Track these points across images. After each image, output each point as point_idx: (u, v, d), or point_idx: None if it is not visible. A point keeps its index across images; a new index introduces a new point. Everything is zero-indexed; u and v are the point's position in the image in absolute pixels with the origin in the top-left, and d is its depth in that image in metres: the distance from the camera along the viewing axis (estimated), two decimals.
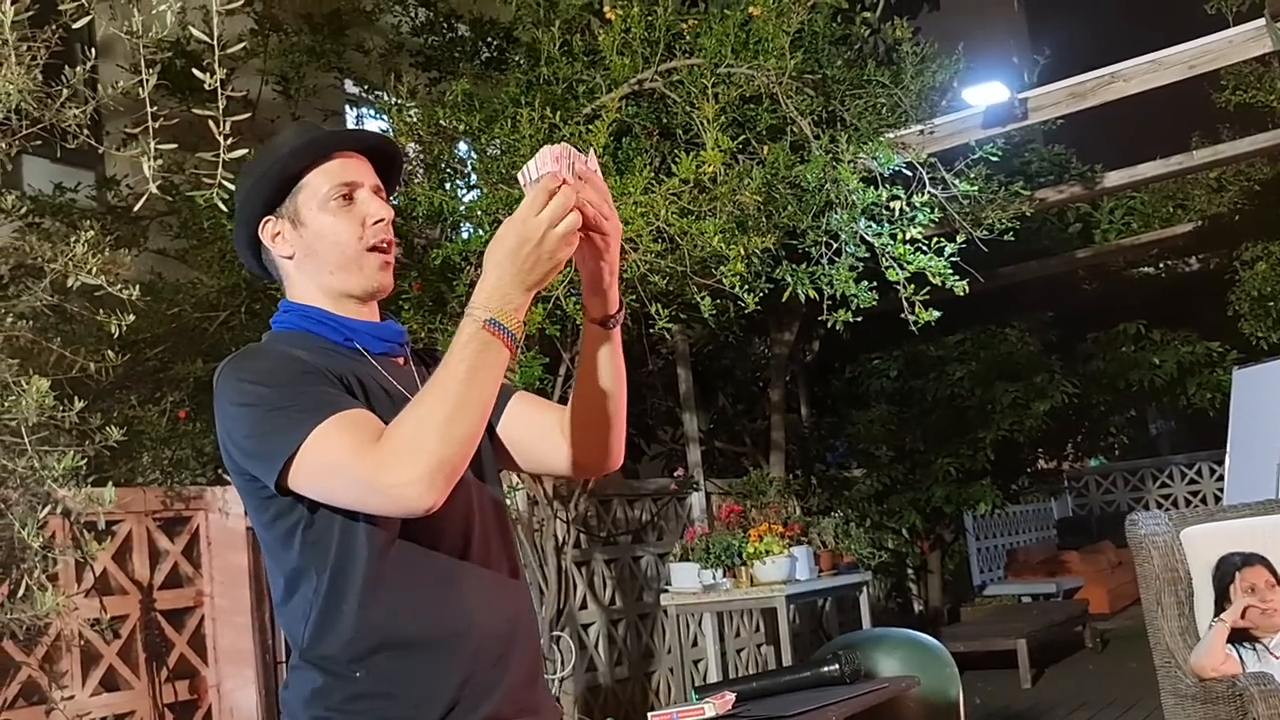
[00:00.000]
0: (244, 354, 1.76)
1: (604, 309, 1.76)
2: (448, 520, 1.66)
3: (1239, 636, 4.31)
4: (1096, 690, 8.53)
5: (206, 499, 4.73)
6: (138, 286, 3.43)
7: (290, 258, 1.83)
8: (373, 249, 1.80)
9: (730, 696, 2.44)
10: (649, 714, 2.56)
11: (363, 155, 1.84)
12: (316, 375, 1.67)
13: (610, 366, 1.81)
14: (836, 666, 2.52)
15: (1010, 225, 6.11)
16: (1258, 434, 6.70)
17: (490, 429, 1.84)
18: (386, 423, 1.61)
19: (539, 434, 1.89)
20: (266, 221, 1.82)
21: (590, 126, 4.84)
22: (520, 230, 1.57)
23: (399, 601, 1.66)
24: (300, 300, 1.83)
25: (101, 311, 3.60)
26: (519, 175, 1.65)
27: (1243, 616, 4.28)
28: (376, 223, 1.80)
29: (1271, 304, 7.68)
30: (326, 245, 1.79)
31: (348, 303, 1.82)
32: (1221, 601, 4.42)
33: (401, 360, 1.87)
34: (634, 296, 4.92)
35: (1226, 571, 4.46)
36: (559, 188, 1.59)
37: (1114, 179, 8.47)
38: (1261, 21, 5.68)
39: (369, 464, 1.54)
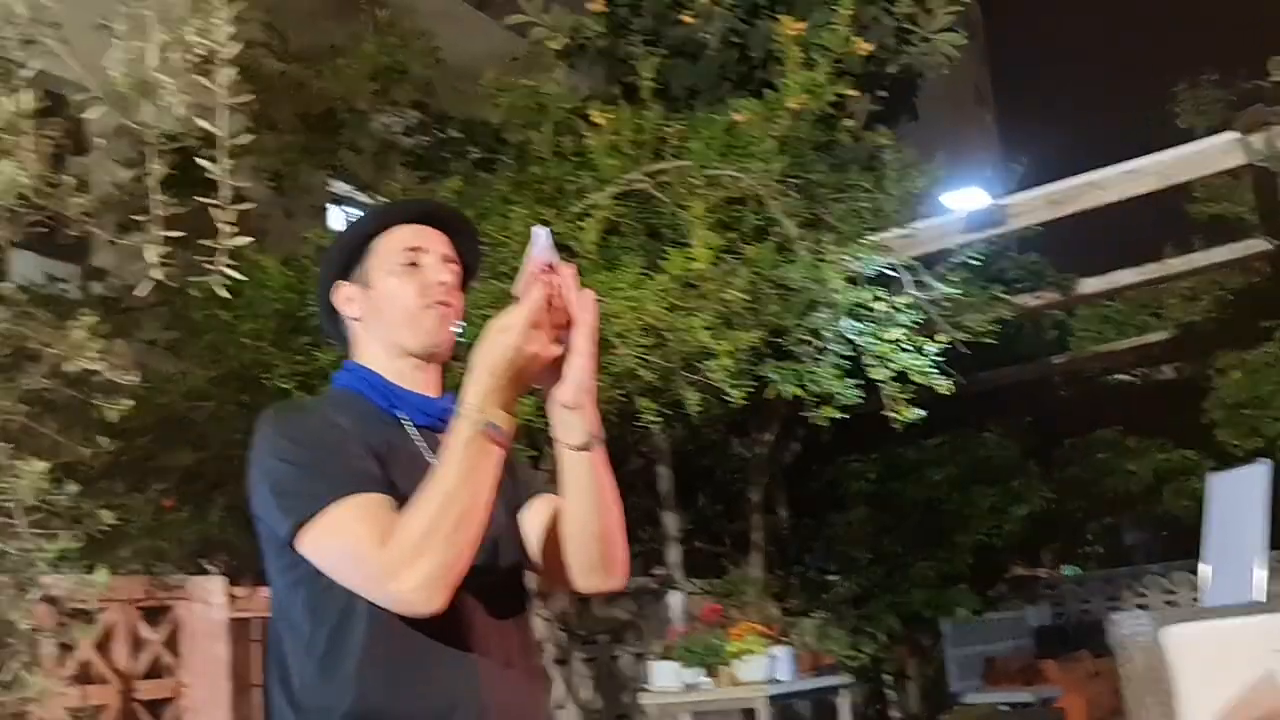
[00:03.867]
0: (291, 406, 1.83)
1: (585, 430, 1.75)
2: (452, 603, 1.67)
3: None
4: None
5: (189, 588, 4.71)
6: (136, 372, 3.46)
7: (358, 319, 1.90)
8: (430, 306, 1.85)
9: None
10: None
11: (437, 228, 1.92)
12: (350, 447, 1.72)
13: (596, 488, 1.79)
14: None
15: (989, 328, 6.22)
16: (1233, 539, 6.73)
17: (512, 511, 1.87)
18: (407, 490, 1.66)
19: (551, 548, 1.87)
20: (340, 286, 1.91)
21: (581, 223, 4.94)
22: (508, 344, 1.63)
23: (396, 672, 1.67)
24: (363, 362, 1.89)
25: (98, 397, 3.62)
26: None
27: None
28: (438, 283, 1.86)
29: (1246, 411, 7.79)
30: (389, 305, 1.86)
31: (405, 363, 1.87)
32: None
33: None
34: (621, 392, 4.98)
35: None
36: (535, 281, 1.65)
37: (1090, 285, 8.62)
38: (1233, 135, 5.86)
39: (376, 566, 1.60)
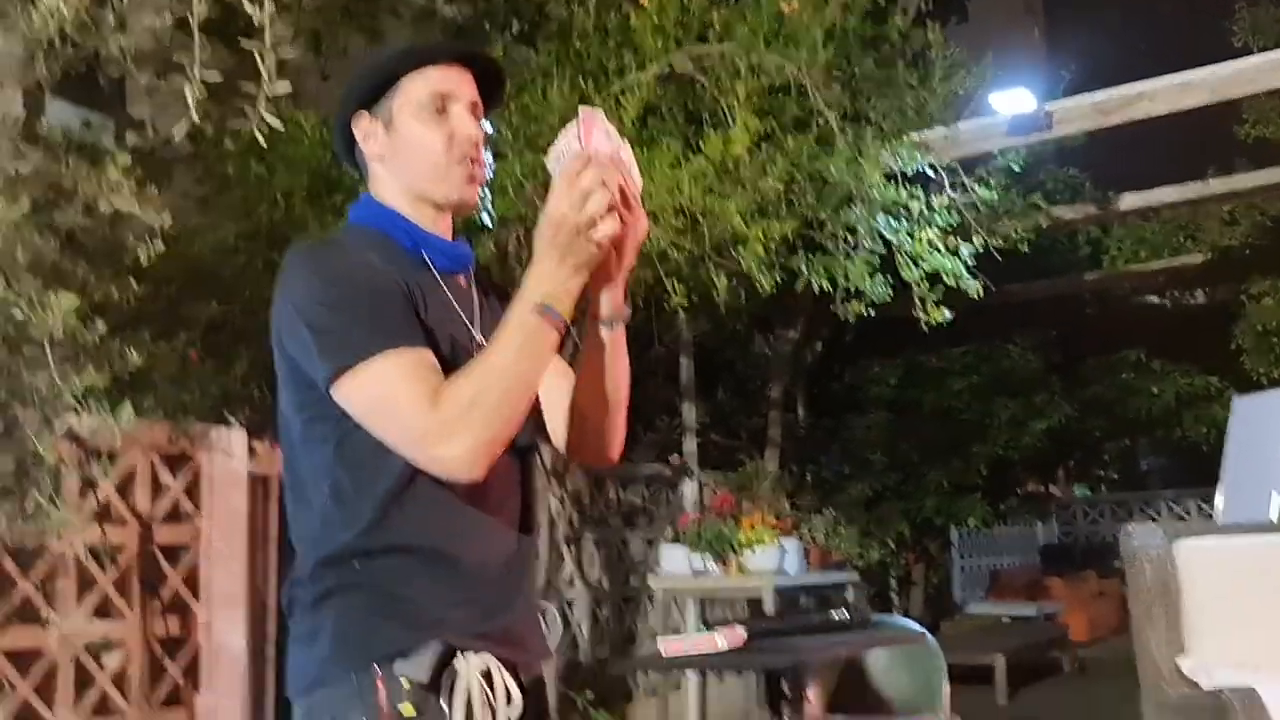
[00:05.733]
0: (320, 245, 1.80)
1: (612, 307, 1.77)
2: None
3: None
4: (1072, 711, 8.58)
5: (211, 439, 4.74)
6: (168, 212, 3.46)
7: (380, 158, 1.85)
8: (459, 162, 1.81)
9: (741, 632, 2.47)
10: (658, 640, 2.59)
11: (466, 69, 1.86)
12: (391, 292, 1.70)
13: (614, 369, 1.82)
14: (845, 612, 2.56)
15: (1025, 236, 6.16)
16: (1254, 461, 6.74)
17: None
18: (439, 341, 1.68)
19: (549, 402, 1.90)
20: (361, 117, 1.85)
21: (621, 102, 4.88)
22: (552, 219, 1.62)
23: (419, 516, 1.69)
24: (382, 199, 1.86)
25: (129, 239, 3.62)
26: (548, 159, 1.67)
27: None
28: (467, 138, 1.81)
29: (1276, 340, 7.72)
30: (413, 152, 1.81)
31: (426, 209, 1.84)
32: None
33: (464, 281, 1.88)
34: (651, 273, 4.96)
35: None
36: (584, 169, 1.61)
37: (1129, 201, 8.51)
38: None
39: (421, 429, 1.60)
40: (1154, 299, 12.55)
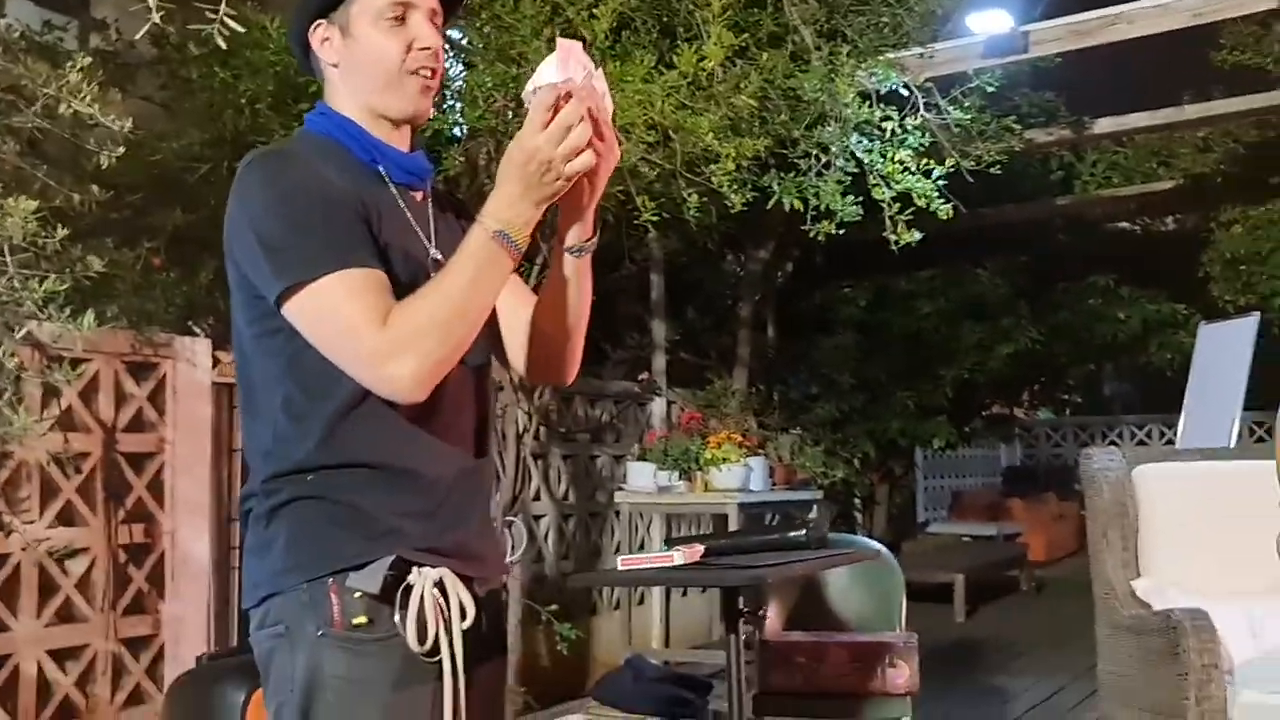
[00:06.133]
0: (275, 155, 1.77)
1: (579, 234, 1.77)
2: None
3: None
4: (1028, 629, 8.74)
5: (175, 348, 4.72)
6: (130, 119, 3.40)
7: (335, 66, 1.82)
8: (415, 73, 1.78)
9: (699, 549, 2.49)
10: (618, 558, 2.61)
11: None
12: (345, 207, 1.68)
13: (577, 294, 1.82)
14: (804, 532, 2.58)
15: (997, 159, 6.14)
16: (1216, 387, 6.82)
17: None
18: (393, 257, 1.68)
19: (508, 324, 1.90)
20: (318, 25, 1.81)
21: (594, 12, 4.80)
22: (524, 148, 1.60)
23: (372, 431, 1.69)
24: (338, 109, 1.83)
25: (91, 143, 3.56)
26: (525, 92, 1.64)
27: None
28: (424, 49, 1.78)
29: (1244, 267, 7.76)
30: (370, 62, 1.78)
31: (382, 124, 1.81)
32: None
33: (420, 195, 1.86)
34: (621, 188, 4.92)
35: None
36: (564, 99, 1.59)
37: (1103, 125, 8.50)
38: None
39: (370, 348, 1.59)
40: (1125, 225, 12.58)
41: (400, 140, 1.84)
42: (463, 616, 1.69)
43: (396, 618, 1.65)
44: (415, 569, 1.67)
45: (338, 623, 1.65)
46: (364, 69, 1.79)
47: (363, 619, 1.65)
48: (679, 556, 2.39)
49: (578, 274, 1.80)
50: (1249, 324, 6.86)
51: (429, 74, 1.79)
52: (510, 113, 4.80)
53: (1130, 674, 4.38)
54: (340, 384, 1.66)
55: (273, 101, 4.77)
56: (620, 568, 2.55)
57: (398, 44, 1.77)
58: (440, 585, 1.68)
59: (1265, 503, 4.71)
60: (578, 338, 1.87)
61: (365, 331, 1.59)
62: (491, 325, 1.82)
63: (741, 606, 2.58)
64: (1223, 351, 7.03)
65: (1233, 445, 6.31)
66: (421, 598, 1.65)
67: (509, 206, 1.62)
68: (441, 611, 1.67)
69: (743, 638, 2.59)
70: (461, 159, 4.94)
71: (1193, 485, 4.75)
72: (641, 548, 7.73)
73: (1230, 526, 4.67)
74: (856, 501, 11.39)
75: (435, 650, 1.66)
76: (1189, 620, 4.00)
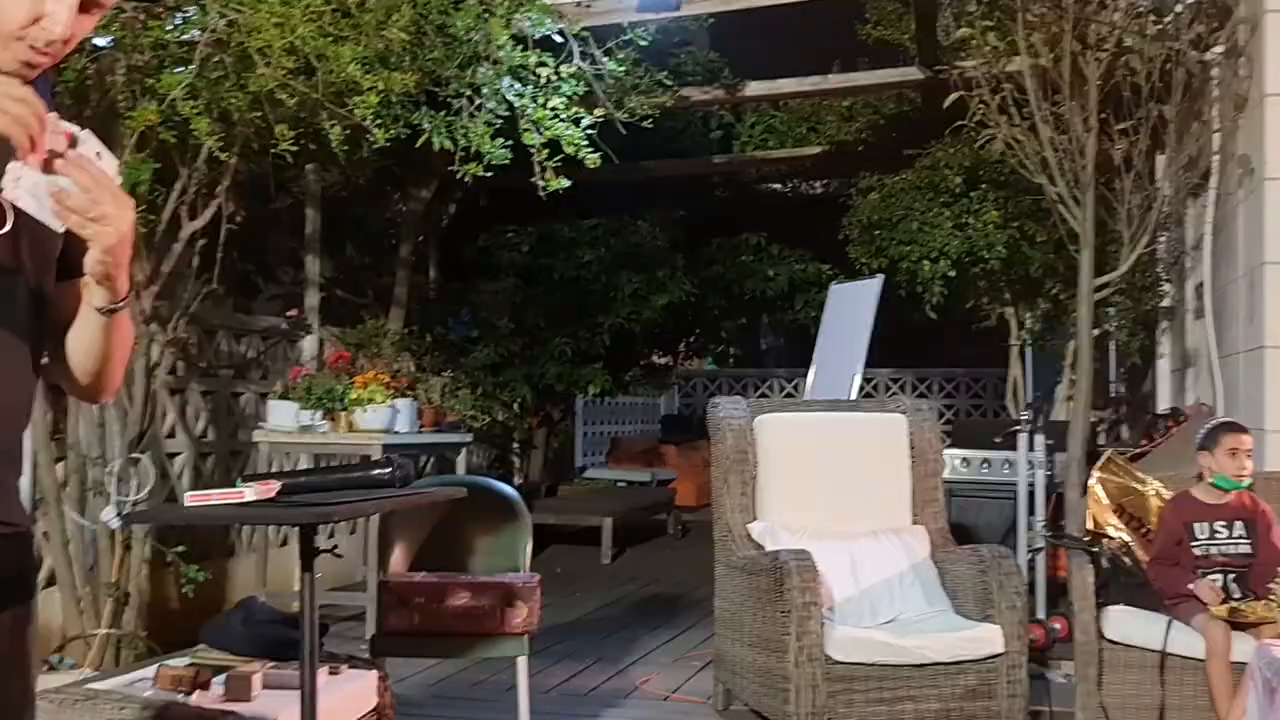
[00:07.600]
0: None
1: (107, 298, 1.60)
2: None
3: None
4: (669, 570, 9.10)
5: None
6: None
7: None
8: (24, 49, 1.54)
9: (275, 485, 2.43)
10: (187, 494, 2.51)
11: None
12: None
13: (105, 344, 1.66)
14: (389, 470, 2.56)
15: (650, 113, 6.28)
16: (842, 342, 7.25)
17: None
18: None
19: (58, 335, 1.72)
20: None
21: None
22: None
23: None
24: None
25: None
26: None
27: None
28: (50, 30, 1.53)
29: (878, 232, 8.24)
30: None
31: None
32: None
33: None
34: (260, 115, 4.73)
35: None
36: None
37: (754, 89, 8.83)
38: None
39: None
40: (777, 186, 13.14)
41: None
42: None
43: None
44: None
45: None
46: None
47: None
48: (250, 493, 2.32)
49: (108, 330, 1.65)
50: (873, 285, 7.32)
51: (36, 62, 1.54)
52: (139, 23, 4.54)
53: (743, 610, 4.63)
54: None
55: None
56: (187, 503, 2.45)
57: (21, 7, 1.52)
58: None
59: (872, 452, 5.08)
60: (114, 377, 1.73)
61: None
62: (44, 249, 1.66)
63: (314, 544, 2.55)
64: (847, 310, 7.47)
65: (853, 398, 6.73)
66: None
67: None
68: None
69: (319, 575, 2.56)
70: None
71: (807, 434, 5.05)
72: None
73: (840, 472, 4.99)
74: (515, 445, 11.49)
75: None
76: (794, 560, 4.25)
